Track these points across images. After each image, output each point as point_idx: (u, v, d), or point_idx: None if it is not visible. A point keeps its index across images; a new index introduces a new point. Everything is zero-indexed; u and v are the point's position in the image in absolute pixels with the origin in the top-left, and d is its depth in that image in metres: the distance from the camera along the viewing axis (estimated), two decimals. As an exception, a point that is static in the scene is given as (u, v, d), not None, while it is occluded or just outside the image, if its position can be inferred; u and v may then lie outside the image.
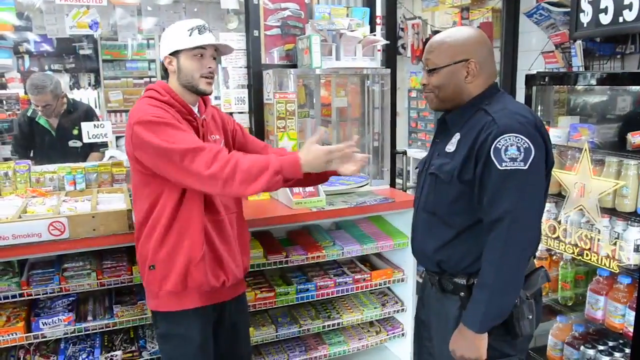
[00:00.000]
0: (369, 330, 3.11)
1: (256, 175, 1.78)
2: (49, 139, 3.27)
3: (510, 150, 1.61)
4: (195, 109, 2.04)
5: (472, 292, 1.71)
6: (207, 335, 2.09)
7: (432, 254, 1.84)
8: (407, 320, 3.09)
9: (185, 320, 2.02)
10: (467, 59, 1.74)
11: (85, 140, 2.91)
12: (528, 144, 1.61)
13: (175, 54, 1.94)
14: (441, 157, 1.81)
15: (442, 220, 1.80)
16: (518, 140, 1.61)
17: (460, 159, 1.71)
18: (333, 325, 2.90)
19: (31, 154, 3.29)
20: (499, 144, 1.61)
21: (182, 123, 1.91)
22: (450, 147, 1.78)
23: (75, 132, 3.20)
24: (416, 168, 2.15)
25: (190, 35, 1.92)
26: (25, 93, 3.35)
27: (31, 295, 2.30)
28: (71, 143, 3.24)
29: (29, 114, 3.28)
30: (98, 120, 3.35)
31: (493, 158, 1.62)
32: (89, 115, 3.34)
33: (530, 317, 1.74)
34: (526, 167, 1.60)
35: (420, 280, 2.18)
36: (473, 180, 1.69)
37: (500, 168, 1.61)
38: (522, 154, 1.60)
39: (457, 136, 1.78)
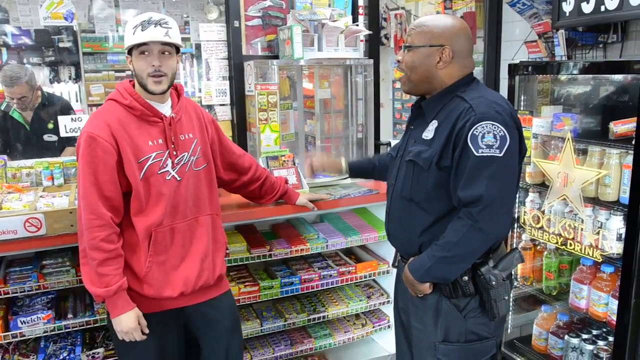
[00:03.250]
0: (354, 323, 3.10)
1: (93, 277, 1.86)
2: (24, 133, 3.19)
3: (487, 138, 1.64)
4: (167, 106, 1.97)
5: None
6: (168, 342, 2.06)
7: (412, 240, 1.86)
8: (393, 312, 3.08)
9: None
10: (442, 45, 1.76)
11: (63, 134, 2.83)
12: (504, 132, 1.65)
13: (129, 53, 1.88)
14: (418, 144, 1.82)
15: (420, 207, 1.82)
16: (495, 128, 1.65)
17: (439, 146, 1.73)
18: (318, 318, 2.89)
19: (7, 150, 3.21)
20: (476, 131, 1.65)
21: (139, 128, 1.90)
22: (428, 134, 1.80)
23: (51, 126, 3.12)
24: (388, 154, 2.14)
25: (134, 34, 1.82)
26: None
27: (8, 293, 2.25)
28: (46, 137, 3.16)
29: (2, 107, 3.20)
30: (74, 114, 3.27)
31: (470, 144, 1.65)
32: (65, 109, 3.26)
33: (506, 297, 1.81)
34: (501, 155, 1.64)
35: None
36: (451, 167, 1.71)
37: (477, 154, 1.64)
38: (498, 141, 1.64)
39: (434, 123, 1.79)
